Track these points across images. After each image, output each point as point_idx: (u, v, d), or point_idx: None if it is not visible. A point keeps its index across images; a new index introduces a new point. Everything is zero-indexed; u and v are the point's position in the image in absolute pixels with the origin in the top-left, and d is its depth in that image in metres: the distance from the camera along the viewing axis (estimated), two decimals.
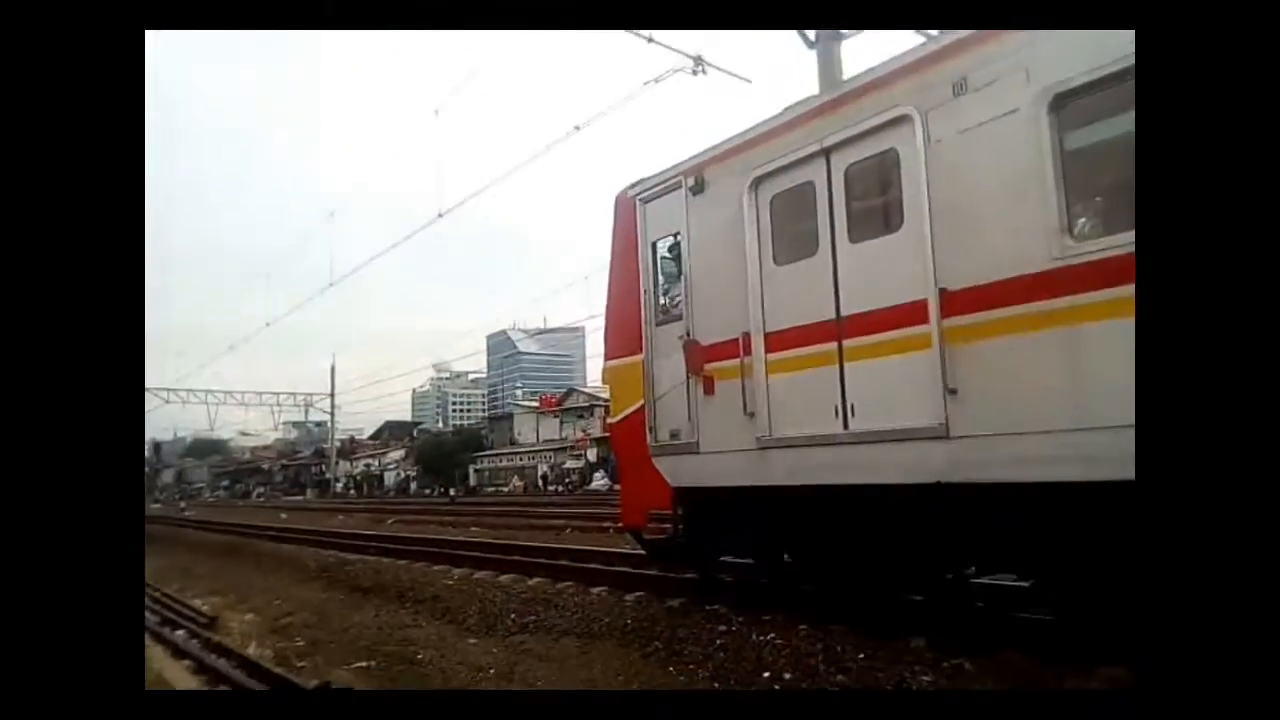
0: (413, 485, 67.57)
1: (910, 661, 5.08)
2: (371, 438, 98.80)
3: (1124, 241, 4.15)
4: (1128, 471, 4.07)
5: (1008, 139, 4.62)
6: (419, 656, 6.89)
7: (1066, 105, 4.43)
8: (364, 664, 6.80)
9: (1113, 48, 4.11)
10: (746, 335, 6.25)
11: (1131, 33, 3.81)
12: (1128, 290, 4.07)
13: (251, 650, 7.01)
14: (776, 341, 6.19)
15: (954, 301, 4.85)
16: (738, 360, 6.28)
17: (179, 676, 5.64)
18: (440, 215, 20.19)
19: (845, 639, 5.68)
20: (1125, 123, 4.75)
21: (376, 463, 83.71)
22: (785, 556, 6.98)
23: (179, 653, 6.91)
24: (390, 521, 25.48)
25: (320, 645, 7.73)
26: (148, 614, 9.15)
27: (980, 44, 4.82)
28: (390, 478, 76.35)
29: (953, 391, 4.82)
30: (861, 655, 5.29)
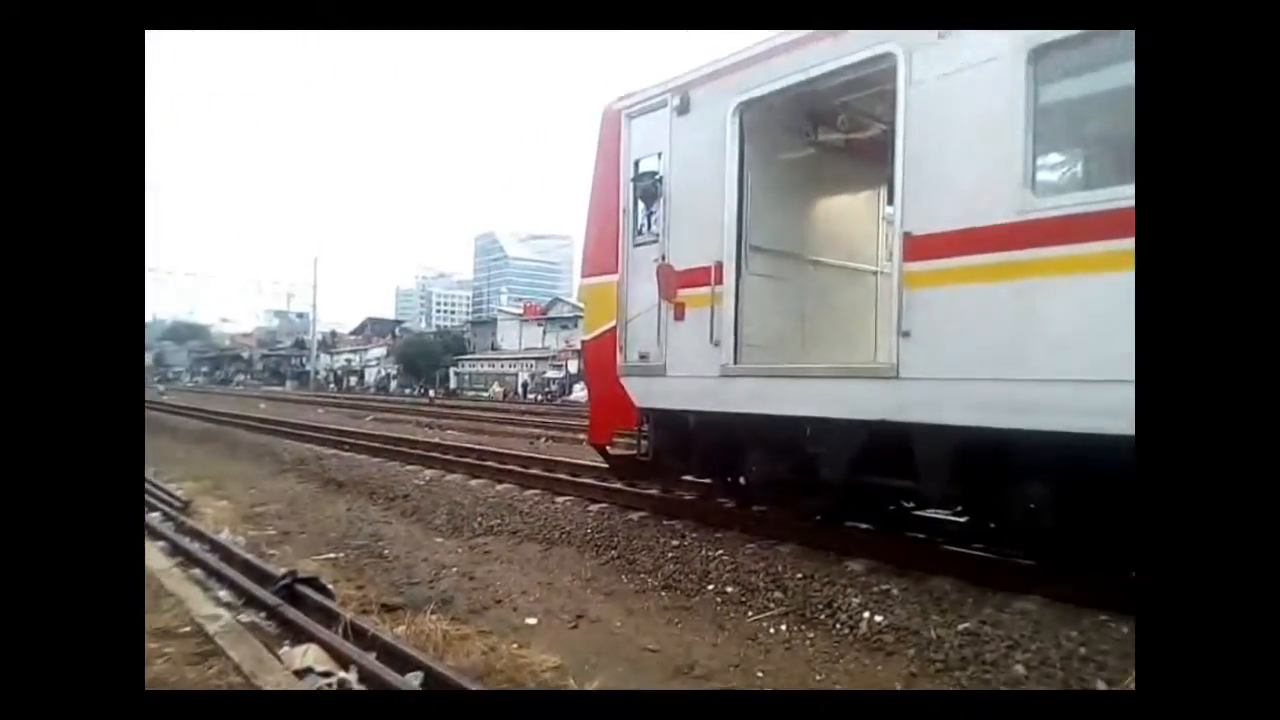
0: (393, 384, 67.95)
1: (844, 584, 5.41)
2: (353, 333, 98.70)
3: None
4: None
5: (987, 87, 4.63)
6: (386, 552, 7.21)
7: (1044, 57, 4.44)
8: (332, 555, 7.11)
9: None
10: (719, 264, 6.34)
11: None
12: None
13: (224, 536, 7.29)
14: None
15: (917, 246, 4.95)
16: (708, 288, 6.39)
17: (151, 558, 5.89)
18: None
19: (788, 559, 6.02)
20: None
21: (357, 358, 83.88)
22: (740, 479, 7.30)
23: (153, 534, 7.16)
24: (368, 419, 25.80)
25: (291, 536, 8.03)
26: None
27: None
28: (370, 374, 76.68)
29: (905, 334, 4.98)
30: (800, 575, 5.62)
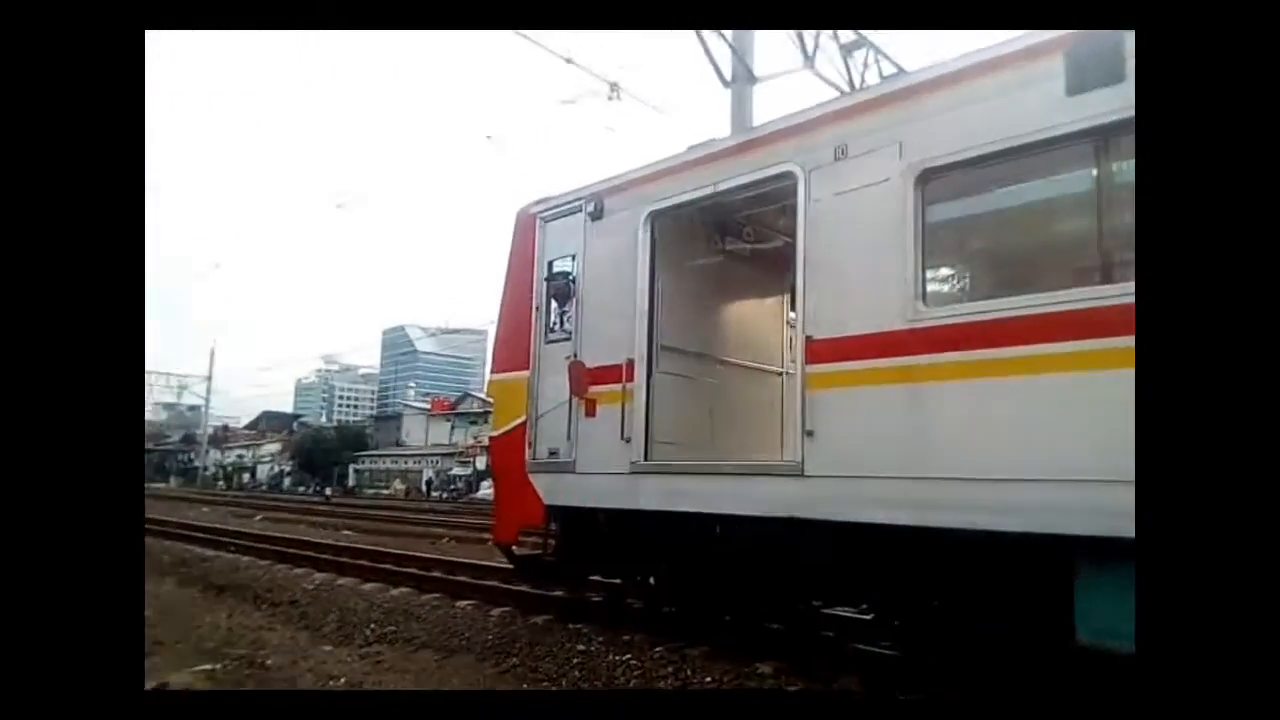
0: (286, 480, 64.59)
1: (753, 687, 5.32)
2: (247, 427, 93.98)
3: None
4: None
5: (880, 205, 5.00)
6: (268, 662, 6.67)
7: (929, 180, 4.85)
8: (208, 667, 6.52)
9: None
10: (630, 362, 6.44)
11: None
12: None
13: None
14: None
15: (818, 350, 5.18)
16: (620, 385, 6.45)
17: None
18: (339, 206, 19.57)
19: (698, 662, 5.89)
20: None
21: (250, 454, 79.59)
22: (650, 579, 7.19)
23: None
24: (258, 518, 24.30)
25: (164, 645, 7.33)
26: None
27: (860, 114, 5.23)
28: (263, 471, 72.71)
29: (809, 433, 5.13)
30: (709, 679, 5.51)
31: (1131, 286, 3.99)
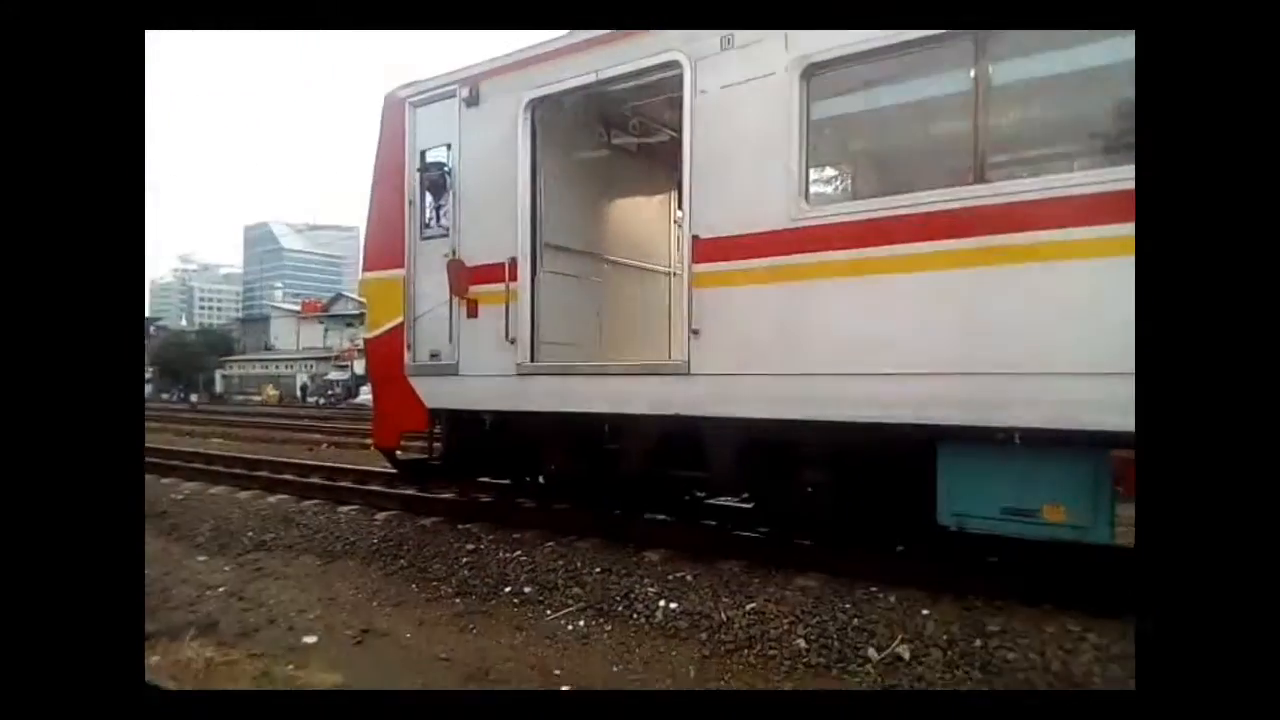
0: (148, 388, 60.56)
1: (641, 574, 5.54)
2: None
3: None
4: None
5: (765, 100, 4.93)
6: None
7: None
8: None
9: None
10: (513, 260, 6.23)
11: None
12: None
13: None
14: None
15: (705, 249, 5.17)
16: (503, 285, 6.26)
17: None
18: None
19: (588, 554, 6.05)
20: None
21: None
22: (540, 478, 7.26)
23: None
24: None
25: None
26: None
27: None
28: None
29: (695, 332, 5.18)
30: (598, 569, 5.68)
31: (999, 188, 4.19)
